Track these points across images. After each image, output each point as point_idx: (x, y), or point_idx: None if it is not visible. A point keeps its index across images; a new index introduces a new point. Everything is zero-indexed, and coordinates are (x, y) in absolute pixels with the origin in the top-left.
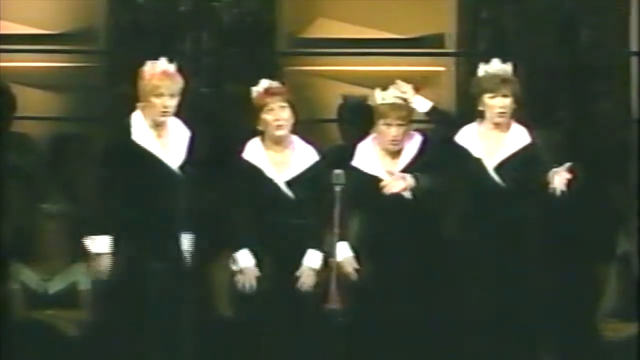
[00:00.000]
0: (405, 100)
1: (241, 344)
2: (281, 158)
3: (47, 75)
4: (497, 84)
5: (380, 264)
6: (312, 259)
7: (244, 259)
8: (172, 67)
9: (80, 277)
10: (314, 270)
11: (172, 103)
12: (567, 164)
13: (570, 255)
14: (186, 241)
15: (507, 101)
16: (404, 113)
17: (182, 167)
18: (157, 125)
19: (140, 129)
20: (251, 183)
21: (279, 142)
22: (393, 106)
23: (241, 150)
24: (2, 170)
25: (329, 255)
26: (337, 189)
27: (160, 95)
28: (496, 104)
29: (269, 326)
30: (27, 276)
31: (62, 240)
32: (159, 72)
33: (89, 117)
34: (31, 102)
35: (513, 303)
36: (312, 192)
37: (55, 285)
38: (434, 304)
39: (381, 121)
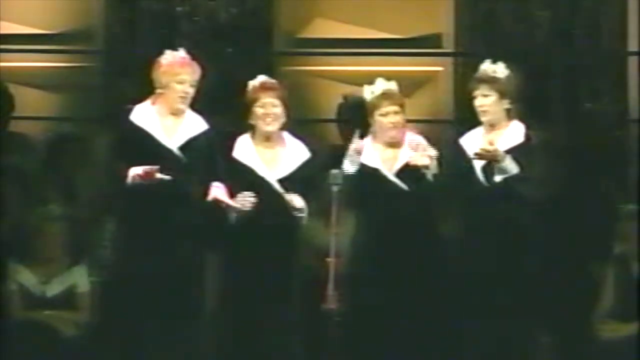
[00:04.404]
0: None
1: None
2: (272, 155)
3: (46, 75)
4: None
5: (380, 258)
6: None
7: None
8: (189, 58)
9: (79, 280)
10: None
11: (191, 91)
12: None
13: (569, 256)
14: None
15: (487, 100)
16: (396, 100)
17: (182, 149)
18: (172, 114)
19: (145, 115)
20: (242, 181)
21: (268, 138)
22: (384, 95)
23: (231, 148)
24: (0, 170)
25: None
26: (335, 188)
27: (182, 82)
28: (476, 103)
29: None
30: (26, 278)
31: (62, 241)
32: (180, 59)
33: (87, 117)
34: (30, 102)
35: (512, 303)
36: (305, 191)
37: (54, 288)
38: (432, 300)
39: (376, 113)
